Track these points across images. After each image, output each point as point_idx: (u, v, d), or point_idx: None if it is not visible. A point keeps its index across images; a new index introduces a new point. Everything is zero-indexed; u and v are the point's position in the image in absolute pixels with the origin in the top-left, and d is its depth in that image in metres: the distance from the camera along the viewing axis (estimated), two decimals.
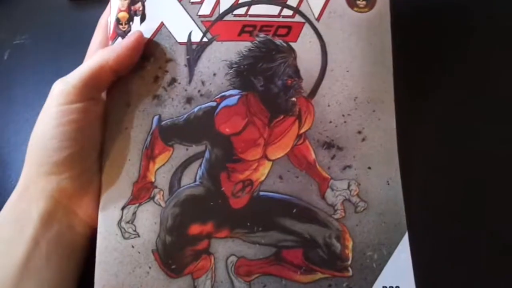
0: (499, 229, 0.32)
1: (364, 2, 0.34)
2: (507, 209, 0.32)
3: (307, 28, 0.34)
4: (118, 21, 0.34)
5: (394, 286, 0.30)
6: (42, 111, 0.31)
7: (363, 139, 0.33)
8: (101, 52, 0.32)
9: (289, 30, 0.33)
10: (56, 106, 0.30)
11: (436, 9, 0.38)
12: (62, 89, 0.30)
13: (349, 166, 0.32)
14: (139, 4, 0.34)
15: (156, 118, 0.33)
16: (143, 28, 0.33)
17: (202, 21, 0.34)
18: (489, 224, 0.32)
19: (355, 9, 0.34)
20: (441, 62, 0.36)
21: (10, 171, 0.38)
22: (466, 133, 0.34)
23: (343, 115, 0.33)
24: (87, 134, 0.31)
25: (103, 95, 0.33)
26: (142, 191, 0.32)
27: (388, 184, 0.32)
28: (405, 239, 0.31)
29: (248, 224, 0.31)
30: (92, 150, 0.32)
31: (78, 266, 0.31)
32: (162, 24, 0.34)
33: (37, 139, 0.31)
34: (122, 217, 0.31)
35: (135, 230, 0.31)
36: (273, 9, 0.34)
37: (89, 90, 0.31)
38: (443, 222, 0.32)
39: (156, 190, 0.32)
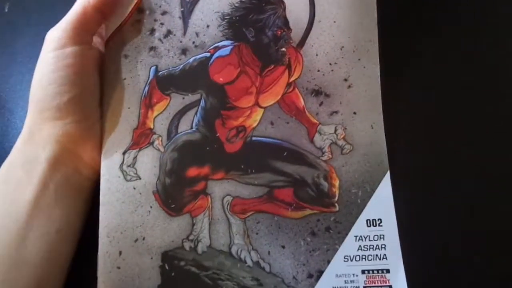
0: (480, 168, 0.34)
1: None
2: (487, 154, 0.34)
3: None
4: None
5: (376, 218, 0.32)
6: (39, 59, 0.33)
7: (349, 86, 0.35)
8: None
9: None
10: (50, 51, 0.32)
11: None
12: (54, 34, 0.32)
13: (336, 112, 0.34)
14: None
15: (153, 68, 0.34)
16: None
17: None
18: (466, 164, 0.34)
19: None
20: (427, 12, 0.38)
21: (16, 118, 0.40)
22: (450, 82, 0.36)
23: (330, 64, 0.35)
24: (85, 78, 0.33)
25: (98, 42, 0.35)
26: (141, 137, 0.34)
27: (372, 128, 0.34)
28: (387, 177, 0.33)
29: (242, 166, 0.34)
30: (91, 95, 0.33)
31: (84, 207, 0.33)
32: None
33: (37, 86, 0.32)
34: (123, 161, 0.33)
35: (136, 173, 0.33)
36: None
37: (78, 33, 0.32)
38: (422, 161, 0.34)
39: (155, 136, 0.34)
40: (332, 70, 0.35)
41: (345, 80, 0.35)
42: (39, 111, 0.32)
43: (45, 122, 0.32)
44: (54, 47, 0.32)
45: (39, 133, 0.32)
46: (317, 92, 0.35)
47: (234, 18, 0.35)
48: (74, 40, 0.32)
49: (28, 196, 0.31)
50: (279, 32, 0.35)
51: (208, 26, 0.35)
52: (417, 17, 0.38)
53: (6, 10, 0.39)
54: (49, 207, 0.31)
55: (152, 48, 0.35)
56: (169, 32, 0.35)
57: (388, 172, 0.33)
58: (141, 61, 0.34)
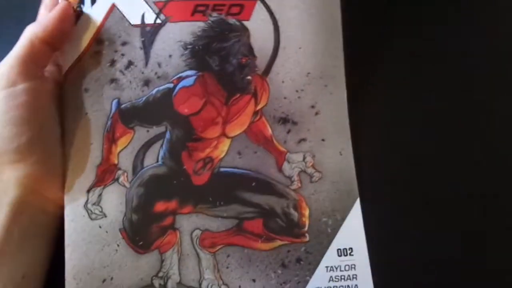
0: (447, 195, 0.34)
1: None
2: (456, 177, 0.35)
3: (259, 6, 0.34)
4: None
5: (347, 247, 0.32)
6: None
7: (316, 113, 0.34)
8: (29, 27, 0.32)
9: (242, 9, 0.34)
10: (0, 90, 0.30)
11: None
12: (1, 72, 0.30)
13: (304, 139, 0.34)
14: None
15: (115, 101, 0.34)
16: (94, 11, 0.33)
17: (154, 2, 0.34)
18: (436, 189, 0.34)
19: None
20: (391, 36, 0.37)
21: None
22: (415, 106, 0.36)
23: (297, 91, 0.34)
24: (42, 115, 0.31)
25: (52, 72, 0.34)
26: (106, 174, 0.33)
27: (341, 154, 0.34)
28: (357, 204, 0.33)
29: (210, 199, 0.33)
30: (51, 132, 0.32)
31: (50, 247, 0.32)
32: (113, 6, 0.34)
33: None
34: (88, 199, 0.32)
35: (101, 211, 0.32)
36: None
37: (28, 68, 0.31)
38: (393, 187, 0.34)
39: (120, 172, 0.33)
40: (299, 97, 0.34)
41: (312, 107, 0.34)
42: None
43: (5, 165, 0.30)
44: (3, 86, 0.30)
45: None
46: (284, 120, 0.34)
47: (196, 47, 0.34)
48: (24, 76, 0.30)
49: None
50: (244, 60, 0.34)
51: (170, 56, 0.34)
52: (383, 41, 0.37)
53: None
54: (14, 253, 0.30)
55: (113, 80, 0.34)
56: (130, 63, 0.34)
57: (358, 200, 0.33)
58: (102, 95, 0.33)
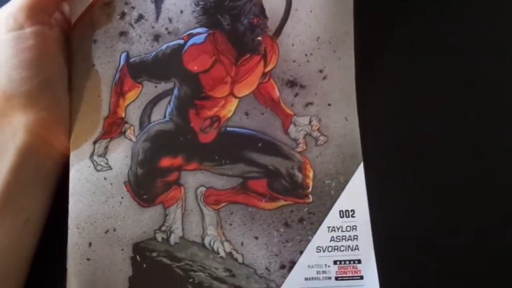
0: (456, 162, 0.35)
1: None
2: (461, 146, 0.35)
3: None
4: None
5: (349, 209, 0.33)
6: None
7: (324, 78, 0.34)
8: None
9: None
10: (6, 32, 0.30)
11: None
12: (8, 14, 0.30)
13: (311, 103, 0.34)
14: None
15: (124, 54, 0.33)
16: None
17: None
18: (439, 157, 0.35)
19: None
20: (404, 4, 0.38)
21: None
22: (426, 75, 0.37)
23: (306, 55, 0.34)
24: (51, 60, 0.31)
25: (59, 20, 0.33)
26: (113, 126, 0.33)
27: (346, 119, 0.34)
28: (360, 168, 0.33)
29: (216, 157, 0.33)
30: (60, 80, 0.32)
31: (52, 194, 0.32)
32: None
33: (0, 71, 0.30)
34: (94, 150, 0.32)
35: (107, 163, 0.32)
36: None
37: (35, 13, 0.30)
38: (396, 152, 0.35)
39: (127, 126, 0.33)
40: (307, 61, 0.34)
41: (320, 71, 0.34)
42: (6, 97, 0.30)
43: (14, 109, 0.30)
44: (10, 27, 0.29)
45: (7, 122, 0.30)
46: (292, 83, 0.34)
47: (209, 4, 0.34)
48: (32, 21, 0.30)
49: None
50: (255, 20, 0.34)
51: (181, 12, 0.34)
52: (393, 9, 0.38)
53: None
54: (18, 197, 0.30)
55: (122, 33, 0.33)
56: (140, 17, 0.33)
57: (362, 164, 0.33)
58: (111, 47, 0.33)
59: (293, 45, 0.34)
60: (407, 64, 0.37)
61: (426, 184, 0.34)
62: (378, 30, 0.37)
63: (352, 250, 0.32)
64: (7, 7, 0.30)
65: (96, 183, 0.32)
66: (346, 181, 0.33)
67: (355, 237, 0.32)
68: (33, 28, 0.30)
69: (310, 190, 0.33)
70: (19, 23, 0.30)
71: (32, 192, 0.31)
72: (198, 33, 0.34)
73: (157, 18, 0.33)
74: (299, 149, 0.34)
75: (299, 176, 0.34)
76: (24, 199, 0.30)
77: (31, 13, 0.30)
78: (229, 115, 0.34)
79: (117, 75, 0.33)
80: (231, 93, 0.34)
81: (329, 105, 0.34)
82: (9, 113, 0.30)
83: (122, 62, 0.33)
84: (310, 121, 0.34)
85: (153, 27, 0.33)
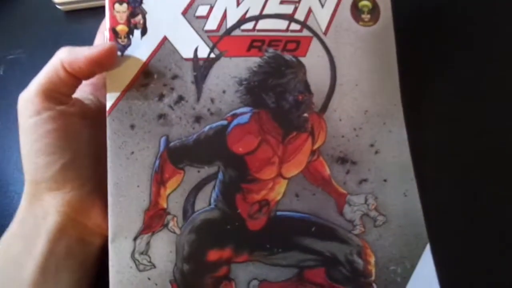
0: None
1: (368, 16, 0.34)
2: None
3: (315, 43, 0.33)
4: (116, 34, 0.32)
5: None
6: (20, 128, 0.30)
7: (376, 152, 0.32)
8: (60, 51, 0.30)
9: (298, 45, 0.33)
10: (26, 119, 0.29)
11: (435, 18, 0.38)
12: (26, 100, 0.29)
13: (365, 180, 0.32)
14: (140, 17, 0.32)
15: (163, 139, 0.31)
16: (144, 42, 0.32)
17: (208, 36, 0.32)
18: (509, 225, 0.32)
19: (361, 23, 0.34)
20: (445, 67, 0.37)
21: (13, 192, 0.35)
22: (475, 130, 0.35)
23: (355, 129, 0.33)
24: (72, 140, 0.30)
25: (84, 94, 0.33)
26: (154, 219, 0.30)
27: (405, 195, 0.32)
28: (427, 250, 0.31)
29: (268, 246, 0.30)
30: (85, 158, 0.30)
31: (90, 276, 0.30)
32: (165, 39, 0.32)
33: (26, 158, 0.30)
34: (135, 248, 0.29)
35: (150, 261, 0.29)
36: (281, 24, 0.33)
37: (52, 97, 0.30)
38: (465, 229, 0.32)
39: (169, 217, 0.30)
40: (357, 136, 0.32)
41: (372, 145, 0.32)
42: (34, 183, 0.29)
43: (43, 193, 0.29)
44: (29, 114, 0.29)
45: (39, 204, 0.29)
46: (343, 160, 0.32)
47: (252, 83, 0.32)
48: (49, 104, 0.29)
49: (29, 272, 0.28)
50: (301, 97, 0.32)
51: (224, 92, 0.32)
52: (437, 74, 0.37)
53: (1, 73, 0.35)
54: (50, 284, 0.28)
55: (161, 116, 0.31)
56: (180, 98, 0.32)
57: (428, 245, 0.31)
58: (149, 132, 0.31)
59: (340, 120, 0.33)
60: (462, 129, 0.35)
61: (506, 262, 0.31)
62: (426, 97, 0.35)
63: None
64: (26, 92, 0.30)
65: (139, 285, 0.29)
66: (413, 266, 0.30)
67: None
68: (50, 113, 0.29)
69: (373, 278, 0.30)
70: (36, 108, 0.29)
71: (65, 277, 0.29)
72: (242, 113, 0.32)
73: (198, 99, 0.32)
74: (356, 232, 0.31)
75: (359, 262, 0.30)
76: (56, 285, 0.28)
77: (47, 97, 0.29)
78: (279, 197, 0.31)
79: (157, 162, 0.30)
80: (279, 174, 0.31)
81: (385, 180, 0.32)
82: (40, 197, 0.29)
83: (162, 147, 0.31)
84: (366, 200, 0.32)
85: (194, 109, 0.31)
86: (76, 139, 0.30)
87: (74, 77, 0.30)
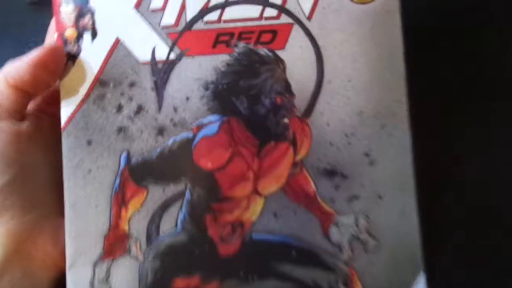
0: None
1: None
2: None
3: (296, 31, 0.27)
4: (65, 41, 0.28)
5: None
6: None
7: (372, 163, 0.27)
8: (4, 67, 0.27)
9: (275, 35, 0.27)
10: None
11: None
12: None
13: (356, 197, 0.27)
14: (88, 17, 0.28)
15: (124, 155, 0.28)
16: (95, 47, 0.28)
17: (166, 33, 0.27)
18: None
19: (355, 0, 0.27)
20: (468, 59, 0.29)
21: None
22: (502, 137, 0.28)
23: (346, 135, 0.27)
24: (14, 162, 0.27)
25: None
26: (115, 244, 0.27)
27: (402, 215, 0.27)
28: (422, 279, 0.26)
29: (241, 273, 0.27)
30: (32, 180, 0.27)
31: None
32: (118, 40, 0.28)
33: None
34: (94, 275, 0.27)
35: None
36: (253, 10, 0.27)
37: None
38: (466, 258, 0.27)
39: (131, 242, 0.27)
40: (349, 143, 0.27)
41: (366, 155, 0.27)
42: None
43: None
44: None
45: None
46: (331, 173, 0.27)
47: (220, 86, 0.27)
48: None
49: None
50: (279, 100, 0.27)
51: (188, 99, 0.27)
52: (465, 67, 0.29)
53: None
54: None
55: (121, 129, 0.28)
56: (140, 108, 0.28)
57: (423, 274, 0.26)
58: (108, 147, 0.28)
59: (328, 124, 0.27)
60: (482, 137, 0.28)
61: None
62: (439, 95, 0.29)
63: None
64: None
65: None
66: None
67: None
68: None
69: None
70: None
71: None
72: (210, 123, 0.27)
73: (159, 108, 0.28)
74: (344, 257, 0.27)
75: None
76: None
77: None
78: (254, 218, 0.27)
79: (117, 180, 0.28)
80: (255, 191, 0.27)
81: (380, 197, 0.27)
82: None
83: (122, 164, 0.28)
84: (357, 220, 0.27)
85: (155, 119, 0.28)
86: (19, 159, 0.27)
87: (21, 92, 0.27)
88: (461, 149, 0.28)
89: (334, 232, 0.27)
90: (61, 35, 0.28)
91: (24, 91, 0.27)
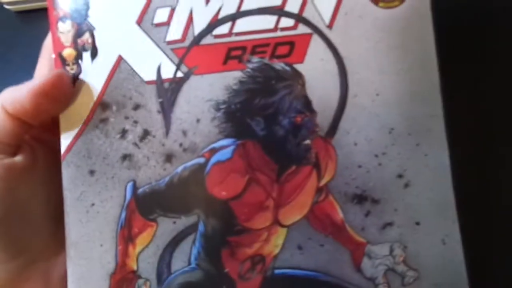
0: None
1: None
2: None
3: (315, 41, 0.25)
4: (63, 60, 0.25)
5: None
6: None
7: (406, 185, 0.24)
8: (4, 92, 0.25)
9: (292, 47, 0.25)
10: None
11: None
12: None
13: (390, 224, 0.24)
14: (87, 35, 0.25)
15: (130, 185, 0.25)
16: (96, 67, 0.25)
17: (172, 49, 0.25)
18: None
19: (381, 4, 0.25)
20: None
21: None
22: None
23: (376, 155, 0.24)
24: (5, 198, 0.24)
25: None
26: (122, 285, 0.25)
27: (444, 243, 0.24)
28: None
29: None
30: (21, 220, 0.25)
31: None
32: (120, 59, 0.25)
33: None
34: None
35: None
36: (267, 21, 0.25)
37: None
38: None
39: (140, 281, 0.25)
40: (379, 164, 0.24)
41: (400, 176, 0.24)
42: None
43: None
44: None
45: None
46: (360, 198, 0.24)
47: (233, 106, 0.25)
48: None
49: None
50: (299, 119, 0.24)
51: (198, 121, 0.25)
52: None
53: None
54: None
55: (125, 157, 0.25)
56: (146, 133, 0.25)
57: None
58: (112, 177, 0.25)
59: (356, 144, 0.24)
60: None
61: None
62: (478, 107, 0.26)
63: None
64: None
65: None
66: None
67: None
68: None
69: None
70: None
71: None
72: (223, 147, 0.25)
73: (167, 133, 0.25)
74: None
75: None
76: None
77: None
78: (276, 251, 0.25)
79: (123, 214, 0.25)
80: (276, 221, 0.25)
81: (417, 223, 0.24)
82: None
83: (128, 196, 0.25)
84: (392, 250, 0.24)
85: (163, 145, 0.25)
86: (10, 198, 0.24)
87: (20, 122, 0.24)
88: (508, 168, 0.25)
89: (366, 265, 0.24)
90: (59, 55, 0.25)
91: (22, 121, 0.25)
